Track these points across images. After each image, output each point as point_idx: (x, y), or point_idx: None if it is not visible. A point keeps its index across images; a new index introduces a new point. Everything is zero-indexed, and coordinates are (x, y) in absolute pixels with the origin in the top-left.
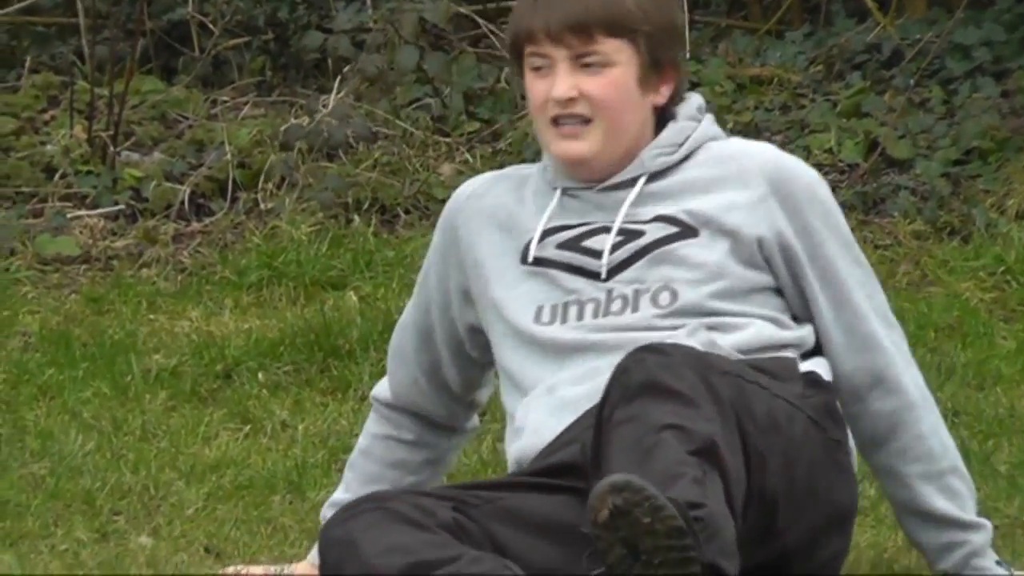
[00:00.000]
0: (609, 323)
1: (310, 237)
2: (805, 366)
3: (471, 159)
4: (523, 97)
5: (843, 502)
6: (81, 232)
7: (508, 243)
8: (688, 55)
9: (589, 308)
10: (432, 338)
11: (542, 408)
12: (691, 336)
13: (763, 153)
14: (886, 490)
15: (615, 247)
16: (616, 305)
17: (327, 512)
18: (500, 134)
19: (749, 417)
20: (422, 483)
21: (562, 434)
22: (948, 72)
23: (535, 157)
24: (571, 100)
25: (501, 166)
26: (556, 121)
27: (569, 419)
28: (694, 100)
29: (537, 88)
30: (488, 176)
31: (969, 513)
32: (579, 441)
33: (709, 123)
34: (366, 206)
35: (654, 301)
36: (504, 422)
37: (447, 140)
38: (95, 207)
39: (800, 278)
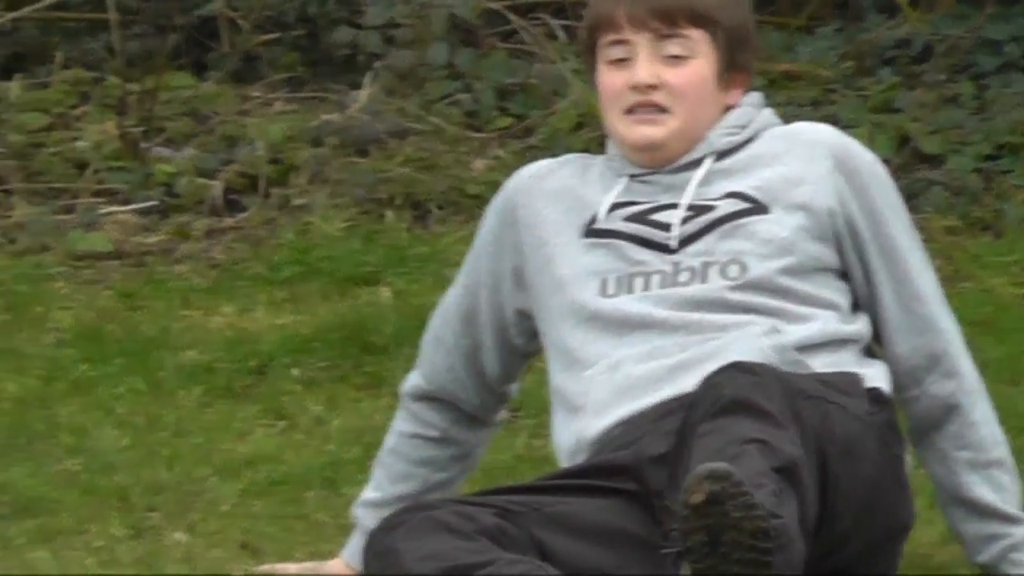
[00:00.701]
0: (676, 294)
1: (343, 233)
2: (868, 379)
3: (503, 154)
4: (556, 93)
5: (902, 518)
6: (113, 228)
7: (571, 220)
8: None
9: (655, 279)
10: (476, 321)
11: (604, 386)
12: (767, 337)
13: (827, 130)
14: (932, 476)
15: (684, 220)
16: (684, 276)
17: (358, 511)
18: (532, 129)
19: (830, 441)
20: (452, 479)
21: (620, 430)
22: (979, 67)
23: (567, 152)
24: (651, 87)
25: (535, 159)
26: (631, 110)
27: (632, 403)
28: (754, 94)
29: (614, 78)
30: (550, 160)
31: (1013, 507)
32: (635, 444)
33: (770, 112)
34: (399, 202)
35: (723, 273)
36: (539, 418)
37: (479, 135)
38: (127, 203)
39: (864, 256)
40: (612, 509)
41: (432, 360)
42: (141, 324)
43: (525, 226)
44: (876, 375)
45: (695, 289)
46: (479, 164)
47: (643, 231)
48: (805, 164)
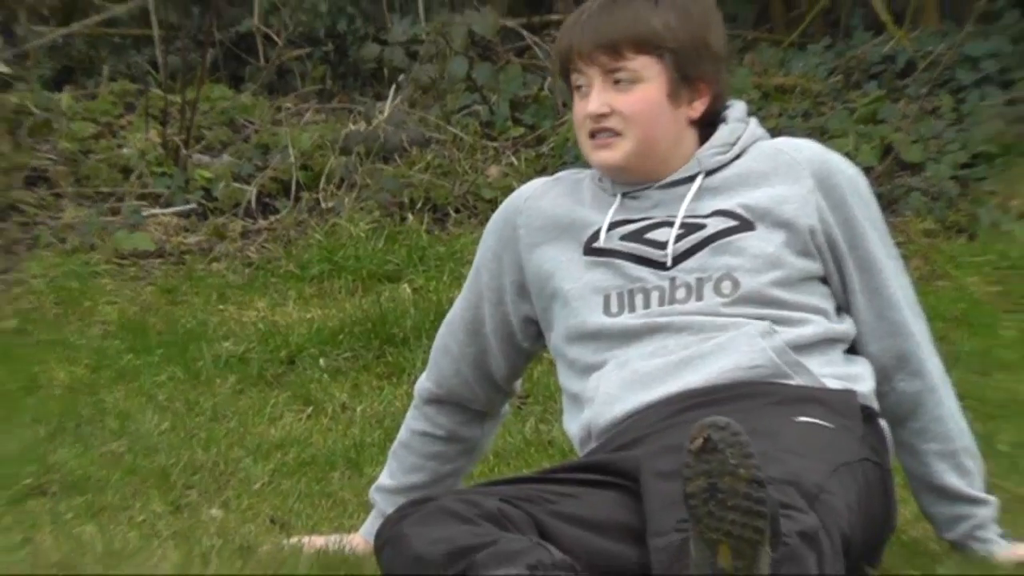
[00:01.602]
0: (675, 311)
1: (367, 234)
2: (858, 383)
3: (516, 162)
4: (564, 104)
5: (893, 522)
6: (156, 229)
7: (569, 238)
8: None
9: (655, 296)
10: (481, 331)
11: (613, 380)
12: (764, 338)
13: (810, 149)
14: (903, 464)
15: (678, 238)
16: (680, 293)
17: (375, 496)
18: (543, 138)
19: (851, 508)
20: (459, 470)
21: (629, 422)
22: (957, 82)
23: (576, 160)
24: (603, 116)
25: (544, 168)
26: (592, 134)
27: (640, 395)
28: (739, 106)
29: (577, 107)
30: (543, 180)
31: (977, 490)
32: (641, 443)
33: (755, 125)
34: (419, 205)
35: (717, 289)
36: (545, 405)
37: (494, 144)
38: (168, 206)
39: (842, 267)
40: (614, 503)
41: (440, 367)
42: (181, 318)
43: (526, 245)
44: (862, 375)
45: (692, 306)
46: (494, 171)
47: (639, 249)
48: (788, 184)
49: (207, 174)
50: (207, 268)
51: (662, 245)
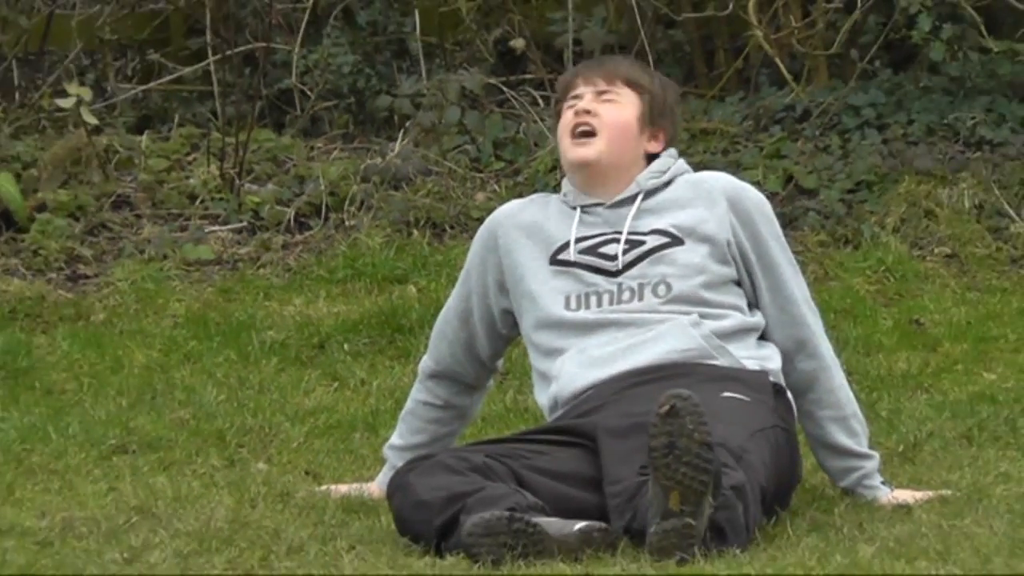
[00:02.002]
0: (622, 309)
1: (382, 246)
2: (768, 363)
3: (498, 189)
4: (536, 144)
5: (798, 473)
6: (215, 242)
7: (538, 248)
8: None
9: (606, 297)
10: (470, 320)
11: (574, 362)
12: (694, 327)
13: (725, 179)
14: (804, 427)
15: (624, 252)
16: (626, 295)
17: (387, 452)
18: (519, 171)
19: (765, 464)
20: (453, 432)
21: (588, 393)
22: (844, 125)
23: (544, 188)
24: (588, 112)
25: (520, 194)
26: (574, 134)
27: (597, 373)
28: (671, 149)
29: (567, 114)
30: (519, 201)
31: (863, 447)
32: (598, 412)
33: (682, 162)
34: (422, 223)
35: (654, 292)
36: (522, 380)
37: (480, 175)
38: (225, 224)
39: (751, 272)
40: (576, 458)
41: (438, 348)
42: (235, 312)
43: (504, 251)
44: (771, 356)
45: (635, 305)
46: (480, 196)
47: (594, 261)
48: (708, 208)
49: (255, 199)
50: (255, 273)
51: (612, 258)
